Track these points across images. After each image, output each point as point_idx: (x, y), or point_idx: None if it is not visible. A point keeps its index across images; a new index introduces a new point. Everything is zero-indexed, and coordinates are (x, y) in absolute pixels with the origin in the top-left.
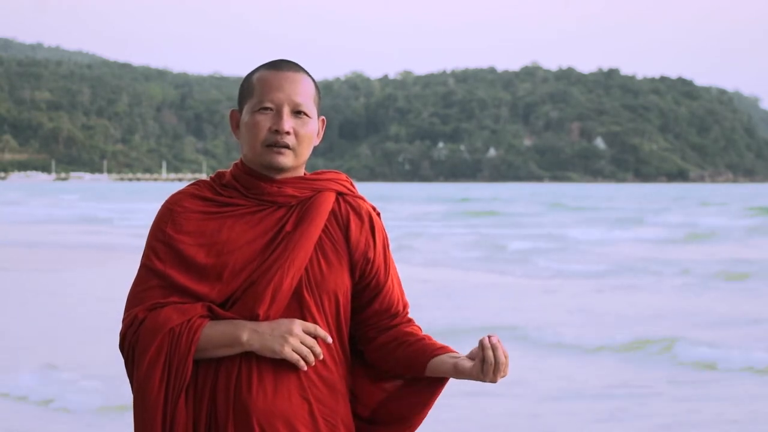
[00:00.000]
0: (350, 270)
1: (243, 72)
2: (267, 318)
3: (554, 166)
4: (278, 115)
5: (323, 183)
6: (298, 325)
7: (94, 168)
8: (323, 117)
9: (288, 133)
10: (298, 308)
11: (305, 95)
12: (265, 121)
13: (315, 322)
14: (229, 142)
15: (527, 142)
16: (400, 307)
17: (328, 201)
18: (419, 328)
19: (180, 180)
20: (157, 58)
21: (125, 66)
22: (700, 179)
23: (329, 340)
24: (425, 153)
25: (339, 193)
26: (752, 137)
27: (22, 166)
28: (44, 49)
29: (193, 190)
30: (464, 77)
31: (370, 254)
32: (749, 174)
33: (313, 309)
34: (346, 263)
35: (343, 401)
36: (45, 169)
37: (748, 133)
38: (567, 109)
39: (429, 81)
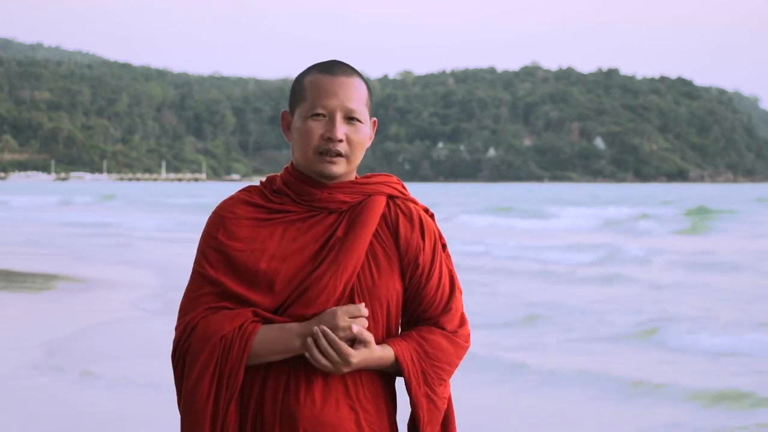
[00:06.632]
0: (401, 274)
1: (243, 72)
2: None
3: (554, 166)
4: (331, 122)
5: (374, 187)
6: (341, 318)
7: (94, 168)
8: (375, 118)
9: (341, 140)
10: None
11: (358, 101)
12: (317, 127)
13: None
14: (229, 142)
15: (527, 142)
16: (438, 312)
17: (379, 205)
18: (444, 332)
19: (180, 180)
20: (157, 58)
21: (125, 66)
22: (700, 179)
23: (364, 312)
24: (425, 153)
25: (390, 196)
26: (752, 137)
27: (22, 166)
28: (44, 49)
29: (244, 197)
30: (464, 77)
31: (420, 259)
32: (749, 174)
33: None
34: (396, 268)
35: (389, 411)
36: (45, 169)
37: (748, 133)
38: (567, 109)
39: (429, 81)
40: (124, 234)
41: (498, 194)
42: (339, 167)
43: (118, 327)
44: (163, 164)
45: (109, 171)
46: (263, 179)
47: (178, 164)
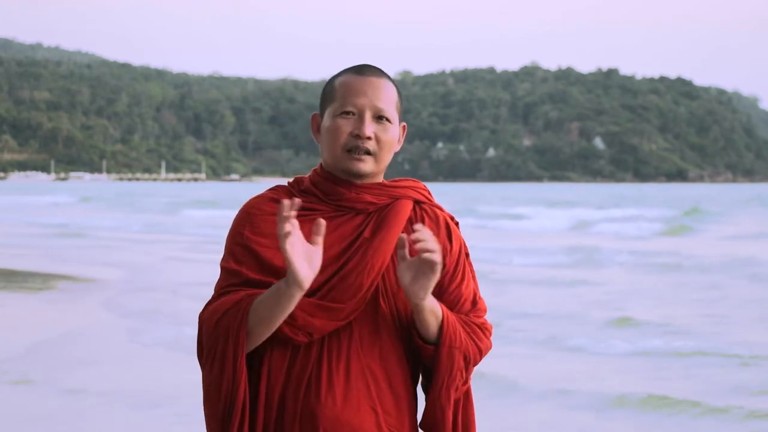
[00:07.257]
0: None
1: (243, 72)
2: (347, 318)
3: (553, 166)
4: (360, 119)
5: (402, 191)
6: (287, 253)
7: (93, 168)
8: (404, 123)
9: (369, 138)
10: (372, 316)
11: (388, 101)
12: (346, 125)
13: (389, 330)
14: (229, 142)
15: (526, 142)
16: (465, 311)
17: (406, 209)
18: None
19: (179, 180)
20: (156, 58)
21: (125, 66)
22: (699, 179)
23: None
24: (425, 153)
25: (417, 201)
26: (751, 137)
27: (22, 166)
28: (44, 49)
29: (271, 195)
30: (464, 77)
31: (446, 260)
32: (748, 174)
33: (388, 317)
34: None
35: (409, 412)
36: (44, 169)
37: (748, 133)
38: (566, 109)
39: (428, 81)
40: (89, 234)
41: (489, 195)
42: (367, 165)
43: (80, 332)
44: (163, 164)
45: (108, 171)
46: (290, 180)
47: (177, 164)
